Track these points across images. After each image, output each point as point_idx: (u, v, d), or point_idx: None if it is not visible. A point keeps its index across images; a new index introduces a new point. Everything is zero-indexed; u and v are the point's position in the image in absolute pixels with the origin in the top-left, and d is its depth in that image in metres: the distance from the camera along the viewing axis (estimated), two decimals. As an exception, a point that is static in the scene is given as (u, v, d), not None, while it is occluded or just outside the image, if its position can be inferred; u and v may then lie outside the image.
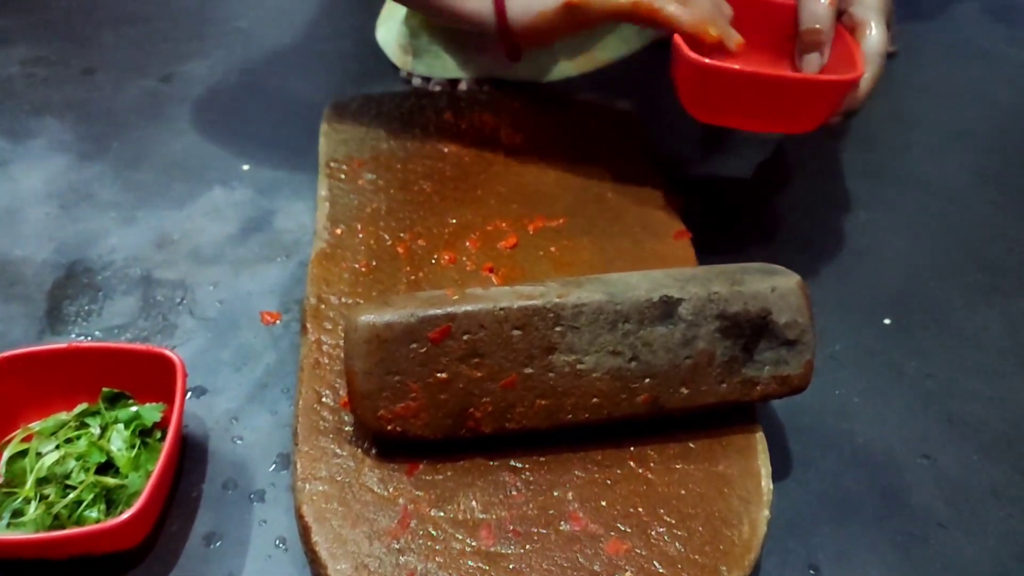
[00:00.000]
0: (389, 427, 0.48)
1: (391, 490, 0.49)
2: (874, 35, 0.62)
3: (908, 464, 0.57)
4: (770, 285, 0.50)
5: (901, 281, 0.70)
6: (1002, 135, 0.87)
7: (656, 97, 0.79)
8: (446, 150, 0.74)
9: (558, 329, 0.49)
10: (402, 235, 0.65)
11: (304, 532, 0.47)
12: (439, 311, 0.48)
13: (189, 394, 0.59)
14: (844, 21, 0.64)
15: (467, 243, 0.64)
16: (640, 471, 0.50)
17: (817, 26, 0.63)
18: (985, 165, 0.82)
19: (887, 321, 0.67)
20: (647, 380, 0.50)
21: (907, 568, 0.51)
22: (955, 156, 0.84)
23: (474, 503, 0.48)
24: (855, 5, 0.64)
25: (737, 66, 0.59)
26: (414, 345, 0.48)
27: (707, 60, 0.59)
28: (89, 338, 0.62)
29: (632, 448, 0.51)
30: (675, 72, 0.63)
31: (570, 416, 0.50)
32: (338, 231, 0.65)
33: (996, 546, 0.52)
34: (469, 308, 0.48)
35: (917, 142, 0.86)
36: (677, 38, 0.61)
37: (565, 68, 0.83)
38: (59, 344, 0.54)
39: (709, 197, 0.76)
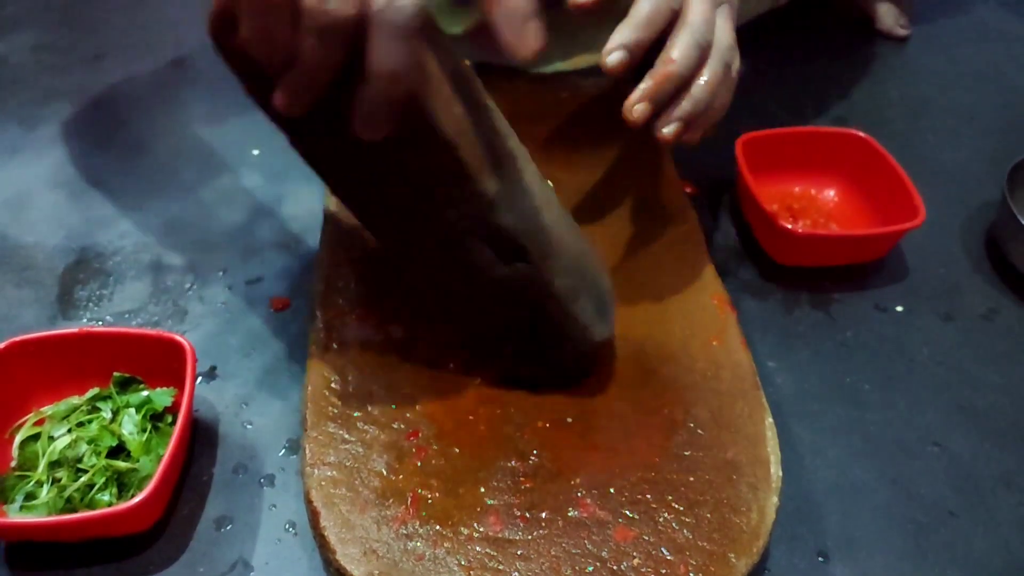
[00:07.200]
0: None
1: (399, 476, 0.49)
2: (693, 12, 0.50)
3: (918, 452, 0.57)
4: None
5: (913, 267, 0.69)
6: (1018, 119, 0.86)
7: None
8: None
9: None
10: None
11: (313, 517, 0.47)
12: None
13: (199, 379, 0.59)
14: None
15: None
16: (648, 458, 0.50)
17: None
18: (1000, 150, 0.81)
19: (899, 308, 0.66)
20: None
21: (916, 556, 0.51)
22: (969, 141, 0.83)
23: (482, 489, 0.48)
24: None
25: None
26: None
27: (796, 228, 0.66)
28: (100, 323, 0.63)
29: (640, 435, 0.51)
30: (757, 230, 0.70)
31: None
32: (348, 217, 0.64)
33: (1007, 534, 0.52)
34: None
35: (930, 126, 0.85)
36: (757, 198, 0.66)
37: (558, 63, 0.82)
38: (71, 329, 0.55)
39: (717, 183, 0.75)
